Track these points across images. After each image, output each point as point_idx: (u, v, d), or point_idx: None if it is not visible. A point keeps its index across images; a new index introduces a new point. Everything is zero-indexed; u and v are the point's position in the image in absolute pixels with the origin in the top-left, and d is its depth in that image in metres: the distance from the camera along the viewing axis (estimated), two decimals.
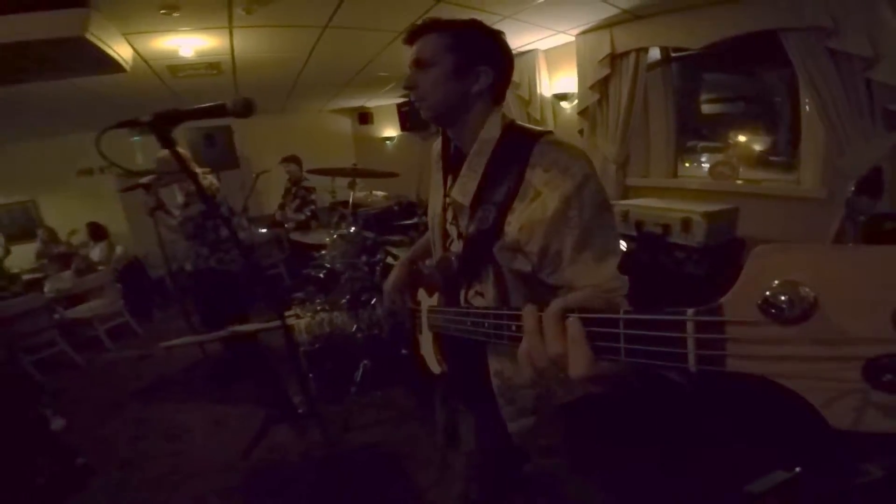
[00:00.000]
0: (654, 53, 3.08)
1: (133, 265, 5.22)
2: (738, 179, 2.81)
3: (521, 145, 0.90)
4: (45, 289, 4.24)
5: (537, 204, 0.85)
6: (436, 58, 0.91)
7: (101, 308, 4.29)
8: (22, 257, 5.24)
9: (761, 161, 2.79)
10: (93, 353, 4.05)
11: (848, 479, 1.58)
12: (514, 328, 0.65)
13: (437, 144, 1.13)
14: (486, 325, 0.74)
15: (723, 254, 2.31)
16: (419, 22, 0.95)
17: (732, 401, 1.93)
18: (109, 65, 2.29)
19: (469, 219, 0.95)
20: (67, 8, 1.75)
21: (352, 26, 2.71)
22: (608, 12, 2.76)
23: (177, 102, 4.38)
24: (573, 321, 0.49)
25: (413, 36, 0.95)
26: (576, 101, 3.51)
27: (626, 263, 0.86)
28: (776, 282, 0.33)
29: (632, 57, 2.93)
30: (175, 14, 2.14)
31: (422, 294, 1.19)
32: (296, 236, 3.95)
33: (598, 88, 3.18)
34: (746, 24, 2.27)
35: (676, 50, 3.01)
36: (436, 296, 1.12)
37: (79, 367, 3.84)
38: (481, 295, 0.99)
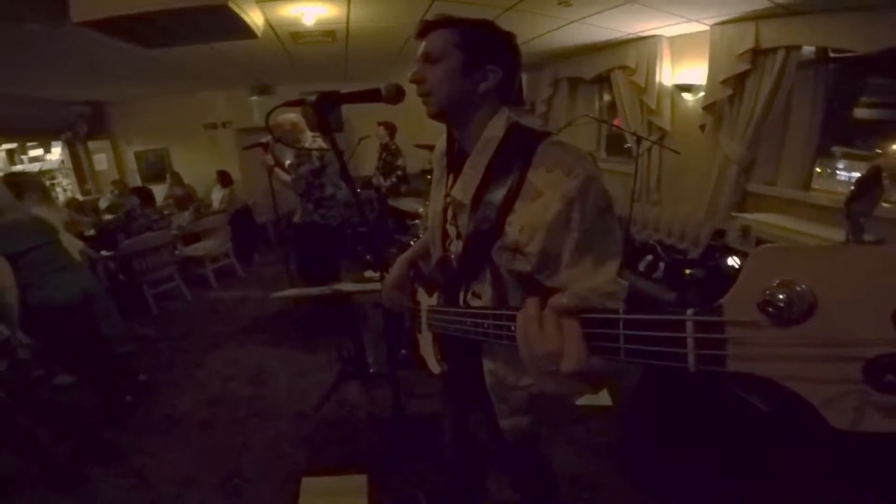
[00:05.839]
0: (806, 51, 2.68)
1: (242, 211, 5.71)
2: (886, 202, 2.31)
3: (525, 145, 0.88)
4: (172, 226, 4.76)
5: (539, 205, 0.84)
6: (445, 53, 0.90)
7: (213, 247, 4.74)
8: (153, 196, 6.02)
9: None
10: (200, 290, 4.53)
11: None
12: (512, 328, 0.63)
13: (441, 143, 1.13)
14: (486, 325, 0.74)
15: None
16: (431, 17, 0.94)
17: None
18: (245, 30, 2.50)
19: (469, 218, 0.95)
20: None
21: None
22: (755, 4, 2.46)
23: (293, 68, 4.67)
24: (571, 320, 0.49)
25: (424, 31, 0.94)
26: (702, 94, 3.21)
27: None
28: (776, 282, 0.32)
29: (779, 54, 2.59)
30: None
31: (421, 294, 1.19)
32: (392, 202, 4.03)
33: (732, 84, 2.86)
34: None
35: (836, 50, 2.61)
36: (435, 296, 1.11)
37: (188, 303, 4.32)
38: (478, 296, 0.99)
